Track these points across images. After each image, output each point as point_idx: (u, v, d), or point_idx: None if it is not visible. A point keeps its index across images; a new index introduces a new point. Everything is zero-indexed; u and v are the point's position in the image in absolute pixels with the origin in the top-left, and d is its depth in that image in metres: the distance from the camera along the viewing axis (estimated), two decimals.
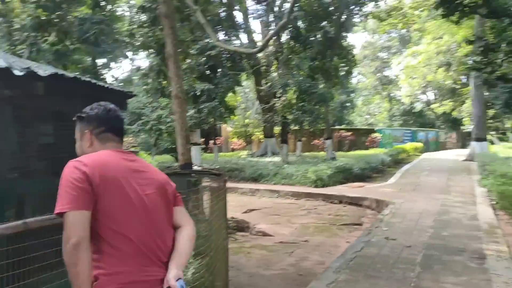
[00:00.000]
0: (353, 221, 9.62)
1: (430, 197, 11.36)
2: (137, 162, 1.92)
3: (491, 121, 34.21)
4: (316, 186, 13.86)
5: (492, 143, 27.52)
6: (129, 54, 27.73)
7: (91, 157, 1.79)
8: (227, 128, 34.87)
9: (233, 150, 33.27)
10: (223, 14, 20.21)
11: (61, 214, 1.64)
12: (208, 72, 17.33)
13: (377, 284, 4.81)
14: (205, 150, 26.75)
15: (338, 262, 5.69)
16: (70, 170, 1.70)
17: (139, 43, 13.99)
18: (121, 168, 1.81)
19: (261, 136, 28.67)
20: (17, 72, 3.93)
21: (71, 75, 4.94)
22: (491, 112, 30.32)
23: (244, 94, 36.43)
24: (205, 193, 4.25)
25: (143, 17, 14.99)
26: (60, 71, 4.86)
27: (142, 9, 11.41)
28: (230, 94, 22.08)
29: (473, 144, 22.67)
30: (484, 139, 22.50)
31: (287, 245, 7.52)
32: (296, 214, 10.59)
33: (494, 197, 10.77)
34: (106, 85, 5.54)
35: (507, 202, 9.40)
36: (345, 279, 4.98)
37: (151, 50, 15.28)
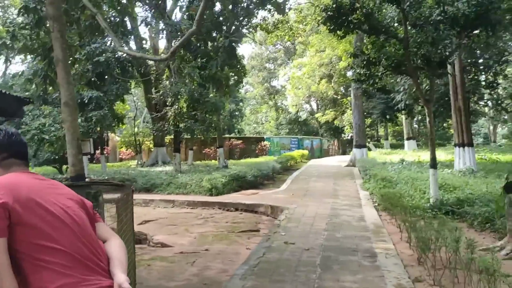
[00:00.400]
0: (251, 228, 9.77)
1: (321, 201, 11.97)
2: (47, 180, 1.88)
3: (368, 129, 37.18)
4: (211, 195, 13.88)
5: (369, 149, 29.82)
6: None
7: (0, 180, 1.70)
8: (114, 138, 33.56)
9: (121, 160, 32.11)
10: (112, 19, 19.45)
11: None
12: (96, 79, 16.52)
13: None
14: (91, 160, 25.50)
15: (243, 269, 5.74)
16: None
17: (19, 46, 12.85)
18: (33, 187, 1.74)
19: (151, 145, 28.05)
20: None
21: None
22: (368, 120, 32.94)
23: (131, 102, 35.42)
24: (110, 206, 4.03)
25: (22, 18, 13.80)
26: None
27: (25, 9, 10.49)
28: (118, 102, 21.32)
29: (354, 150, 24.39)
30: (364, 146, 24.33)
31: (188, 255, 7.40)
32: (193, 223, 10.48)
33: (376, 199, 11.66)
34: (1, 90, 5.02)
35: (388, 203, 10.20)
36: (252, 285, 5.04)
37: (35, 54, 14.11)
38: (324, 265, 5.84)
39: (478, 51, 18.61)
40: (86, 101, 15.74)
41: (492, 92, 21.75)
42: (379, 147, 36.36)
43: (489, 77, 20.65)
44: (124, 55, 18.68)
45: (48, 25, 9.73)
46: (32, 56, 14.60)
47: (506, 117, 37.99)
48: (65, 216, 1.71)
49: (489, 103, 24.00)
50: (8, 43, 12.81)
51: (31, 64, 16.24)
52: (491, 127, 48.08)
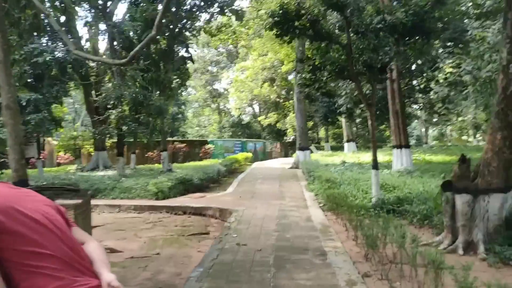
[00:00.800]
0: (200, 231, 9.79)
1: (268, 203, 12.17)
2: (20, 188, 1.89)
3: (310, 131, 38.08)
4: (157, 199, 13.70)
5: (311, 151, 30.56)
6: None
7: None
8: (51, 141, 32.26)
9: (59, 164, 30.91)
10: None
11: None
12: (34, 80, 15.88)
13: None
14: (26, 165, 24.36)
15: (198, 271, 5.79)
16: None
17: None
18: (10, 195, 1.76)
19: (91, 149, 27.24)
20: None
21: None
22: (309, 123, 33.74)
23: (69, 105, 34.25)
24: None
25: None
26: None
27: None
28: (56, 105, 20.61)
29: (298, 153, 24.90)
30: (308, 148, 24.91)
31: (139, 259, 7.33)
32: (141, 227, 10.34)
33: (321, 200, 12.01)
34: None
35: (333, 203, 10.56)
36: (209, 287, 5.11)
37: None
38: (277, 264, 6.00)
39: (412, 58, 19.64)
40: (24, 104, 15.10)
41: (425, 96, 23.02)
42: (320, 149, 37.32)
43: (423, 82, 21.88)
44: (59, 55, 18.06)
45: None
46: None
47: (436, 119, 40.17)
48: (46, 222, 1.73)
49: (422, 106, 25.33)
50: None
51: None
52: (423, 129, 50.63)
